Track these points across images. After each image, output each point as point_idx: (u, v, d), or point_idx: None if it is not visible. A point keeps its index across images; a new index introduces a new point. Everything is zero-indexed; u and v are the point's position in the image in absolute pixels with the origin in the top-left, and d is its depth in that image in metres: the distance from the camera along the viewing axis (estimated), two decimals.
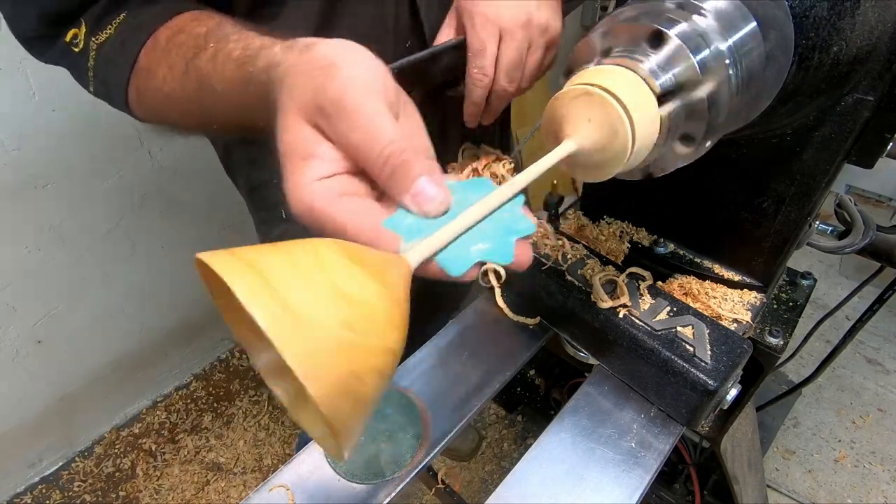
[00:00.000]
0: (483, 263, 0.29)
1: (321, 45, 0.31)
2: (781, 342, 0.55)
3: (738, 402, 0.51)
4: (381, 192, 0.30)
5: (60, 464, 1.44)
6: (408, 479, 0.47)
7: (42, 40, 0.47)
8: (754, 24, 0.33)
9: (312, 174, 0.29)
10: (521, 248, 0.29)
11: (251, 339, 0.31)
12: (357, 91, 0.28)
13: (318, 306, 0.22)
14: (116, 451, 1.48)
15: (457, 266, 0.28)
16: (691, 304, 0.53)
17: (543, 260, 0.55)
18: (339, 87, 0.28)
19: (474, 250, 0.28)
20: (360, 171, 0.30)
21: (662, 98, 0.31)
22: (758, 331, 0.56)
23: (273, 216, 0.72)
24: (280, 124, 0.30)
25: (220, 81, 0.39)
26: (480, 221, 0.29)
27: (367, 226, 0.28)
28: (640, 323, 0.48)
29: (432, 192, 0.28)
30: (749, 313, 0.54)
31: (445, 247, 0.28)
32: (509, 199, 0.30)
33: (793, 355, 0.78)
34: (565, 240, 0.56)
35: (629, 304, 0.50)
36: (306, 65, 0.30)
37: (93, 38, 0.45)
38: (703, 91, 0.31)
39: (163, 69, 0.43)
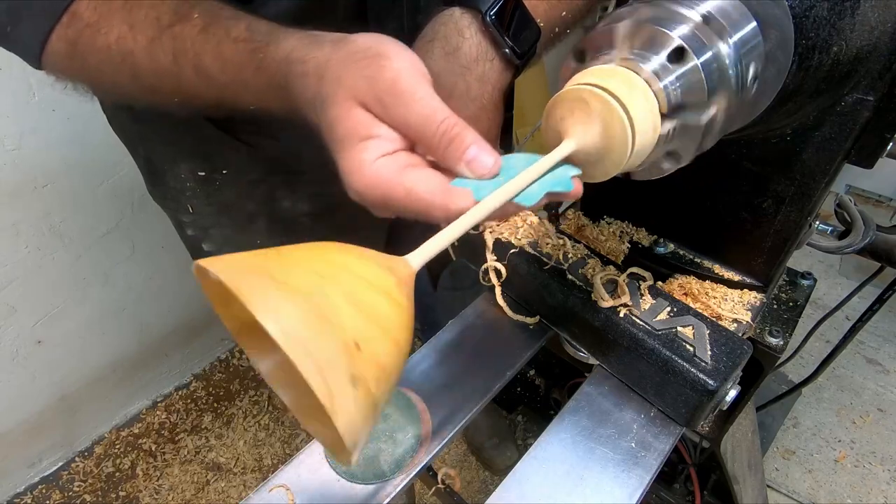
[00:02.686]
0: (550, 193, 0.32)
1: (360, 39, 0.34)
2: (781, 342, 0.55)
3: (738, 402, 0.51)
4: (435, 164, 0.33)
5: (60, 464, 1.44)
6: (408, 480, 0.47)
7: None
8: (754, 23, 0.33)
9: (375, 152, 0.31)
10: (576, 182, 0.33)
11: (255, 345, 0.30)
12: (409, 78, 0.31)
13: (330, 315, 0.21)
14: (116, 451, 1.48)
15: (528, 199, 0.31)
16: (691, 304, 0.53)
17: (545, 259, 0.55)
18: (392, 76, 0.31)
19: (539, 184, 0.32)
20: (414, 147, 0.33)
21: (661, 99, 0.31)
22: (758, 331, 0.56)
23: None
24: (331, 115, 0.32)
25: (215, 59, 0.38)
26: (532, 183, 0.32)
27: (438, 188, 0.31)
28: (641, 322, 0.48)
29: (483, 157, 0.32)
30: (749, 313, 0.54)
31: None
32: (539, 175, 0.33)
33: (793, 355, 0.78)
34: (566, 239, 0.56)
35: (630, 303, 0.50)
36: (352, 56, 0.33)
37: None
38: (704, 95, 0.31)
39: (119, 28, 0.40)
